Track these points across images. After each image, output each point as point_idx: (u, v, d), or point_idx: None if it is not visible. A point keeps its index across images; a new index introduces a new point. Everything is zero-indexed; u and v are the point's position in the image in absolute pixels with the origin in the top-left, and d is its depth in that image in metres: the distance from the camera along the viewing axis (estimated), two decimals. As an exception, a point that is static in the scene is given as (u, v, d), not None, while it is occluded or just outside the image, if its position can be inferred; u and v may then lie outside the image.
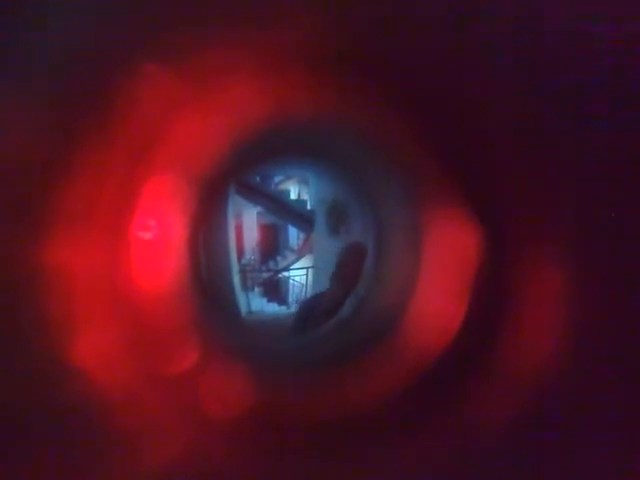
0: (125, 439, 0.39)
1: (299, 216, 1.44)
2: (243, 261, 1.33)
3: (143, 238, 0.41)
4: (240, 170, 0.67)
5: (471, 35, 0.38)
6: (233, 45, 0.37)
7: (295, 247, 1.52)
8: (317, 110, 0.43)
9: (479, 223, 0.44)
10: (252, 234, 1.46)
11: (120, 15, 0.35)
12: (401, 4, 0.37)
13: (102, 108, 0.36)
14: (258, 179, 1.42)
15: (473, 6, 0.38)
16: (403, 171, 0.54)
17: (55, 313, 0.38)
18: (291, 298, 1.41)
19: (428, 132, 0.45)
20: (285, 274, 1.47)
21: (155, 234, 0.42)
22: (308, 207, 1.34)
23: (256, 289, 1.37)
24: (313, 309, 0.92)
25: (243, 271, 1.27)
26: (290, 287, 1.44)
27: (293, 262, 1.48)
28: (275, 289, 1.42)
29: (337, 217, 1.10)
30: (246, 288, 1.27)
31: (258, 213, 1.48)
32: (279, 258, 1.54)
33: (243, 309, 1.14)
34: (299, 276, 1.42)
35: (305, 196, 1.41)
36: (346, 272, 0.83)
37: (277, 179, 1.47)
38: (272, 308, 1.37)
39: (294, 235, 1.54)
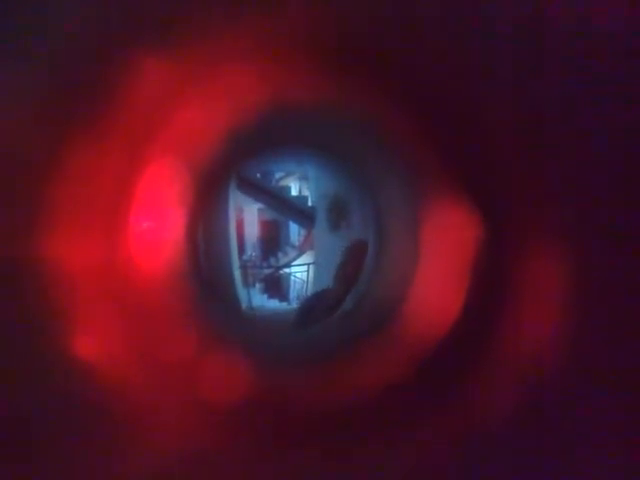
0: (125, 427, 0.39)
1: (300, 212, 1.44)
2: (244, 257, 1.33)
3: (141, 228, 0.41)
4: (239, 161, 0.67)
5: (472, 28, 0.38)
6: (232, 33, 0.37)
7: (296, 243, 1.51)
8: (317, 99, 0.43)
9: (479, 216, 0.44)
10: (253, 230, 1.46)
11: (117, 4, 0.35)
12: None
13: (99, 98, 0.36)
14: (259, 175, 1.41)
15: (474, 2, 0.38)
16: (404, 165, 0.54)
17: (54, 306, 0.38)
18: (292, 294, 1.41)
19: (429, 125, 0.45)
20: (286, 270, 1.47)
21: (153, 224, 0.42)
22: (309, 203, 1.34)
23: (257, 285, 1.37)
24: (315, 306, 0.92)
25: (244, 267, 1.27)
26: (291, 283, 1.43)
27: (294, 258, 1.48)
28: (276, 285, 1.42)
29: (338, 213, 1.10)
30: (247, 284, 1.27)
31: (259, 209, 1.48)
32: (280, 254, 1.54)
33: (244, 305, 1.14)
34: (300, 272, 1.42)
35: (306, 192, 1.41)
36: (349, 270, 0.83)
37: (278, 175, 1.47)
38: (273, 304, 1.37)
39: (295, 231, 1.54)
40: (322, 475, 0.43)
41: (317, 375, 0.47)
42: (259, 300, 1.35)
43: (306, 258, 1.44)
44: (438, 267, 0.48)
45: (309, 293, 1.24)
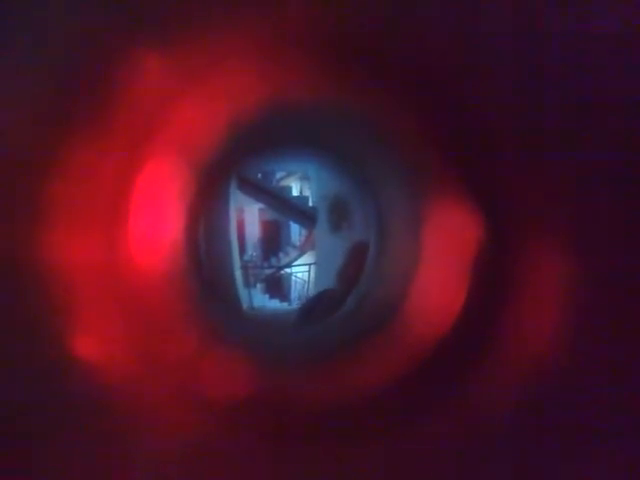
0: (125, 427, 0.39)
1: (301, 212, 1.44)
2: (245, 257, 1.33)
3: (141, 227, 0.41)
4: (240, 160, 0.67)
5: (472, 28, 0.38)
6: (232, 32, 0.37)
7: (297, 243, 1.52)
8: (317, 98, 0.43)
9: (480, 217, 0.44)
10: (254, 230, 1.46)
11: (117, 4, 0.35)
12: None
13: (99, 97, 0.36)
14: (260, 176, 1.42)
15: (474, 2, 0.38)
16: (404, 165, 0.54)
17: (54, 305, 0.38)
18: (293, 295, 1.41)
19: (429, 125, 0.45)
20: (287, 271, 1.47)
21: (153, 223, 0.42)
22: (310, 203, 1.34)
23: (258, 285, 1.37)
24: (316, 306, 0.92)
25: (245, 267, 1.27)
26: (292, 283, 1.44)
27: (295, 259, 1.48)
28: (277, 285, 1.42)
29: (339, 213, 1.10)
30: (248, 284, 1.27)
31: (260, 209, 1.48)
32: (281, 254, 1.54)
33: (245, 305, 1.14)
34: (301, 272, 1.42)
35: (307, 192, 1.41)
36: (350, 271, 0.83)
37: (279, 175, 1.47)
38: (274, 304, 1.37)
39: (296, 231, 1.54)
40: (322, 474, 0.43)
41: (318, 375, 0.47)
42: (260, 300, 1.35)
43: (307, 258, 1.44)
44: (439, 267, 0.47)
45: (310, 293, 1.24)
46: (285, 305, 1.36)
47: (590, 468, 0.41)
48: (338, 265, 0.90)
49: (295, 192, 1.46)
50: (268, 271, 1.45)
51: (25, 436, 0.37)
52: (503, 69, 0.39)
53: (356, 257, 0.82)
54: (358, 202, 0.90)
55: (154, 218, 0.42)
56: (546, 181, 0.41)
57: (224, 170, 0.64)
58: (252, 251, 1.43)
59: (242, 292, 1.15)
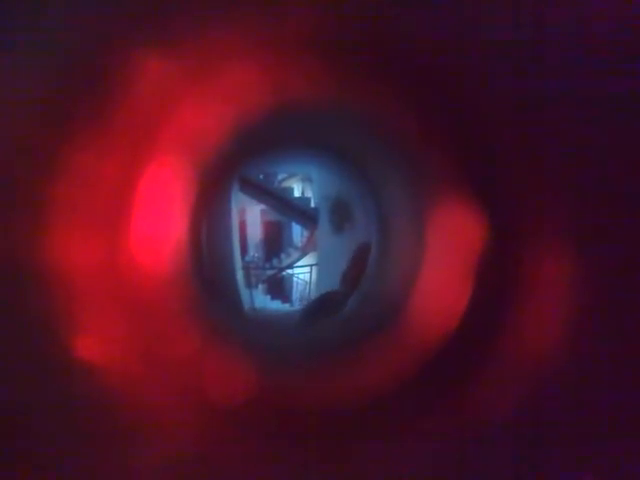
0: (126, 427, 0.39)
1: (303, 213, 1.44)
2: (247, 258, 1.33)
3: (143, 227, 0.41)
4: (242, 160, 0.67)
5: (473, 28, 0.38)
6: (232, 31, 0.37)
7: (299, 244, 1.52)
8: (318, 97, 0.43)
9: (484, 217, 0.44)
10: (256, 231, 1.46)
11: (118, 4, 0.35)
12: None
13: (100, 97, 0.36)
14: (261, 177, 1.42)
15: (475, 1, 0.38)
16: (407, 166, 0.54)
17: (56, 306, 0.38)
18: (295, 296, 1.42)
19: (431, 125, 0.45)
20: (289, 271, 1.47)
21: (155, 223, 0.42)
22: (312, 205, 1.34)
23: (260, 286, 1.37)
24: (319, 309, 0.92)
25: (246, 268, 1.28)
26: (294, 284, 1.44)
27: (297, 259, 1.48)
28: (279, 286, 1.42)
29: (341, 214, 1.10)
30: (250, 285, 1.27)
31: (262, 210, 1.48)
32: (283, 255, 1.54)
33: (246, 305, 1.14)
34: (303, 273, 1.42)
35: (309, 194, 1.41)
36: (353, 273, 0.83)
37: (281, 177, 1.47)
38: (276, 305, 1.37)
39: (298, 232, 1.54)
40: (323, 475, 0.43)
41: (319, 376, 0.46)
42: (262, 301, 1.35)
43: (309, 259, 1.44)
44: (442, 268, 0.47)
45: (312, 294, 1.24)
46: (286, 306, 1.37)
47: (590, 469, 0.41)
48: (342, 267, 0.90)
49: (297, 193, 1.46)
50: (270, 272, 1.45)
51: (25, 437, 0.37)
52: (503, 69, 0.39)
53: (359, 258, 0.82)
54: (359, 203, 0.90)
55: (157, 219, 0.42)
56: (547, 181, 0.41)
57: (226, 171, 0.64)
58: (254, 252, 1.43)
59: (244, 293, 1.16)
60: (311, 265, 1.42)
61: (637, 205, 0.40)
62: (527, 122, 0.41)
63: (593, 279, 0.42)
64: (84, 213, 0.38)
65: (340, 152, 0.69)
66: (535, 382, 0.42)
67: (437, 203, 0.48)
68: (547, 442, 0.41)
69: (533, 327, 0.43)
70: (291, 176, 1.51)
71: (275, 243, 1.54)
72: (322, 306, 0.91)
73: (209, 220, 0.74)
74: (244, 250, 1.24)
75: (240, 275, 1.17)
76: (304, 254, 1.48)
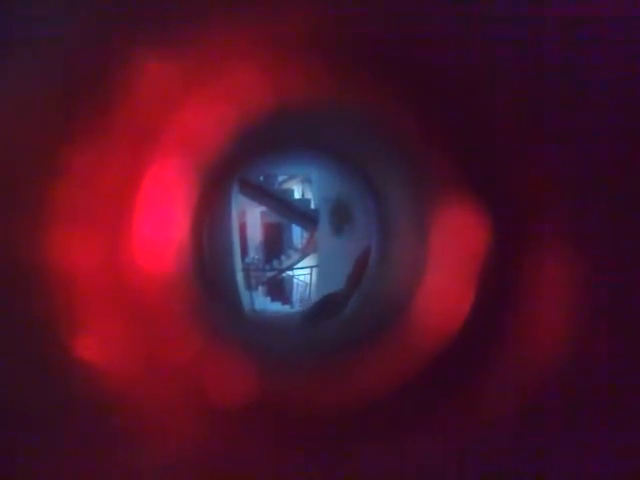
0: (126, 429, 0.39)
1: (303, 215, 1.44)
2: (247, 260, 1.33)
3: (144, 229, 0.41)
4: (243, 162, 0.67)
5: (473, 28, 0.38)
6: (234, 35, 0.37)
7: (299, 246, 1.52)
8: (318, 98, 0.43)
9: (487, 219, 0.44)
10: (256, 233, 1.46)
11: (119, 5, 0.35)
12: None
13: (101, 99, 0.36)
14: (261, 178, 1.42)
15: (475, 1, 0.38)
16: (407, 167, 0.54)
17: (56, 307, 0.38)
18: (295, 297, 1.41)
19: (431, 126, 0.45)
20: (289, 273, 1.47)
21: (157, 225, 0.42)
22: (312, 206, 1.34)
23: (260, 288, 1.37)
24: (321, 312, 0.92)
25: (247, 270, 1.27)
26: (294, 286, 1.43)
27: (297, 261, 1.48)
28: (279, 288, 1.42)
29: (341, 216, 1.09)
30: (250, 287, 1.27)
31: (262, 212, 1.48)
32: (283, 257, 1.54)
33: (247, 307, 1.13)
34: (303, 275, 1.42)
35: (309, 195, 1.41)
36: (358, 272, 0.83)
37: (281, 178, 1.47)
38: (276, 307, 1.37)
39: (298, 234, 1.54)
40: (325, 477, 0.42)
41: (320, 377, 0.46)
42: (262, 303, 1.35)
43: (309, 261, 1.44)
44: (444, 270, 0.47)
45: (312, 296, 1.24)
46: (287, 307, 1.36)
47: (592, 470, 0.41)
48: (342, 268, 0.90)
49: (297, 195, 1.46)
50: (270, 274, 1.45)
51: (26, 439, 0.37)
52: (503, 69, 0.39)
53: (360, 260, 0.82)
54: (360, 204, 0.90)
55: (158, 221, 0.42)
56: (547, 181, 0.41)
57: (227, 172, 0.64)
58: (254, 254, 1.43)
59: (244, 295, 1.15)
60: (311, 267, 1.42)
61: (637, 205, 0.40)
62: (527, 123, 0.41)
63: (594, 280, 0.42)
64: (84, 214, 0.38)
65: (340, 153, 0.69)
66: (537, 384, 0.42)
67: (438, 204, 0.48)
68: (549, 443, 0.41)
69: (534, 329, 0.43)
70: (291, 178, 1.51)
71: (275, 245, 1.54)
72: (323, 308, 0.91)
73: (210, 222, 0.74)
74: (244, 252, 1.24)
75: (240, 277, 1.17)
76: (304, 256, 1.47)
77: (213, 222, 0.89)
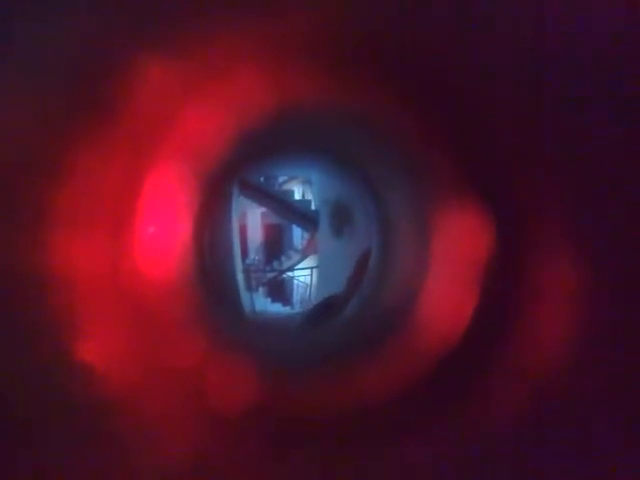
0: (131, 433, 0.39)
1: (303, 216, 1.44)
2: (247, 261, 1.33)
3: (146, 234, 0.41)
4: (244, 166, 0.67)
5: (473, 29, 0.38)
6: (234, 38, 0.37)
7: (299, 247, 1.52)
8: (319, 103, 0.43)
9: (490, 223, 0.44)
10: (256, 234, 1.46)
11: (120, 10, 0.35)
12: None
13: (103, 103, 0.36)
14: (262, 180, 1.42)
15: (475, 2, 0.38)
16: (406, 167, 0.54)
17: (59, 312, 0.38)
18: (295, 298, 1.41)
19: (431, 127, 0.45)
20: (289, 274, 1.47)
21: (159, 229, 0.42)
22: (312, 207, 1.34)
23: (260, 289, 1.37)
24: (321, 312, 0.92)
25: (247, 271, 1.27)
26: (294, 287, 1.44)
27: (297, 262, 1.48)
28: (279, 289, 1.42)
29: (341, 217, 1.09)
30: (250, 288, 1.27)
31: (262, 213, 1.48)
32: (283, 258, 1.54)
33: (247, 308, 1.13)
34: (303, 276, 1.42)
35: (309, 196, 1.41)
36: (359, 274, 0.83)
37: (281, 179, 1.47)
38: (276, 308, 1.37)
39: (298, 235, 1.54)
40: (323, 479, 0.42)
41: (320, 381, 0.46)
42: (262, 304, 1.35)
43: (309, 262, 1.44)
44: (447, 272, 0.47)
45: (312, 297, 1.24)
46: (287, 309, 1.36)
47: (591, 465, 0.41)
48: (342, 269, 0.90)
49: (297, 196, 1.46)
50: (270, 275, 1.45)
51: (26, 444, 0.37)
52: (503, 70, 0.39)
53: (361, 262, 0.81)
54: (360, 206, 0.90)
55: (160, 226, 0.41)
56: (547, 183, 0.41)
57: (228, 176, 0.64)
58: (254, 255, 1.43)
59: (244, 296, 1.15)
60: (311, 268, 1.42)
61: (637, 205, 0.40)
62: (527, 124, 0.41)
63: (594, 280, 0.42)
64: (86, 219, 0.38)
65: (341, 155, 0.69)
66: (537, 387, 0.42)
67: (439, 206, 0.48)
68: (548, 447, 0.41)
69: (536, 332, 0.43)
70: (292, 179, 1.51)
71: (276, 246, 1.54)
72: (323, 310, 0.91)
73: (211, 224, 0.74)
74: (245, 253, 1.24)
75: (241, 278, 1.17)
76: (304, 257, 1.48)
77: (214, 224, 0.89)
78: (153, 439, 0.40)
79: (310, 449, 0.42)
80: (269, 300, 1.41)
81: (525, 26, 0.37)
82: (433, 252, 0.49)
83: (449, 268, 0.47)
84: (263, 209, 1.49)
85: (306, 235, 1.52)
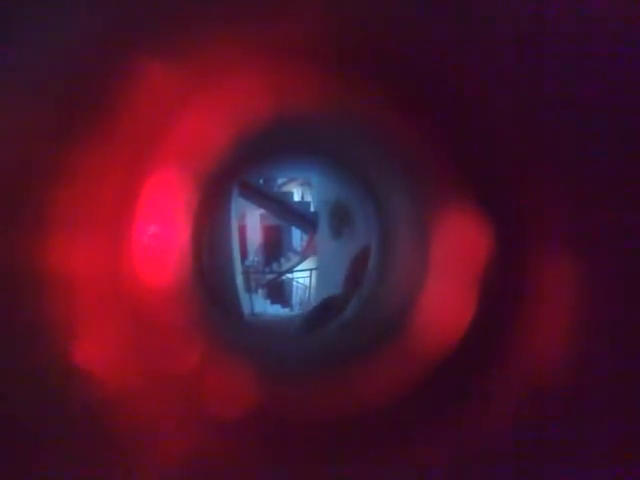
0: (128, 438, 0.39)
1: (302, 218, 1.44)
2: (246, 263, 1.33)
3: (145, 237, 0.41)
4: (243, 168, 0.67)
5: (473, 30, 0.38)
6: (234, 41, 0.37)
7: (298, 249, 1.52)
8: (318, 105, 0.43)
9: (487, 222, 0.44)
10: (255, 236, 1.46)
11: (119, 12, 0.35)
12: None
13: (103, 106, 0.36)
14: (261, 181, 1.42)
15: (474, 3, 0.38)
16: (407, 171, 0.54)
17: (57, 315, 0.38)
18: (295, 300, 1.41)
19: (430, 130, 0.45)
20: (288, 276, 1.47)
21: (157, 233, 0.42)
22: (311, 209, 1.34)
23: (259, 291, 1.37)
24: (320, 314, 0.91)
25: (246, 273, 1.27)
26: (294, 289, 1.44)
27: (297, 264, 1.48)
28: (279, 291, 1.42)
29: (340, 218, 1.10)
30: (249, 290, 1.27)
31: (261, 215, 1.48)
32: (282, 260, 1.54)
33: (246, 310, 1.13)
34: (303, 278, 1.42)
35: (308, 198, 1.41)
36: (356, 274, 0.83)
37: (280, 181, 1.47)
38: (275, 310, 1.37)
39: (297, 237, 1.54)
40: None
41: (319, 385, 0.46)
42: (261, 306, 1.35)
43: (308, 264, 1.44)
44: (446, 276, 0.47)
45: (312, 299, 1.24)
46: (286, 310, 1.36)
47: (591, 469, 0.41)
48: (342, 271, 0.90)
49: (296, 197, 1.46)
50: (269, 276, 1.45)
51: (23, 448, 0.37)
52: (504, 71, 0.39)
53: (359, 262, 0.81)
54: (359, 207, 0.90)
55: (159, 229, 0.41)
56: (547, 184, 0.41)
57: (228, 177, 0.64)
58: (254, 256, 1.43)
59: (243, 297, 1.15)
60: (311, 269, 1.42)
61: (637, 205, 0.40)
62: (527, 125, 0.41)
63: (596, 282, 0.41)
64: (84, 221, 0.38)
65: (340, 157, 0.69)
66: (538, 388, 0.42)
67: (438, 208, 0.48)
68: (548, 447, 0.41)
69: (536, 335, 0.43)
70: (291, 180, 1.51)
71: (275, 247, 1.54)
72: (322, 312, 0.91)
73: (210, 225, 0.74)
74: (244, 254, 1.24)
75: (240, 280, 1.17)
76: (304, 258, 1.48)
77: (213, 226, 0.89)
78: (152, 442, 0.40)
79: (310, 451, 0.42)
80: (268, 302, 1.41)
81: (525, 26, 0.37)
82: (433, 254, 0.49)
83: (449, 269, 0.47)
84: (262, 211, 1.49)
85: (305, 237, 1.52)
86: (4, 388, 0.36)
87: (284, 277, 1.53)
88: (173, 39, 0.35)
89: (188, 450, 0.40)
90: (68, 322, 0.38)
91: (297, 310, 1.34)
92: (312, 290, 1.36)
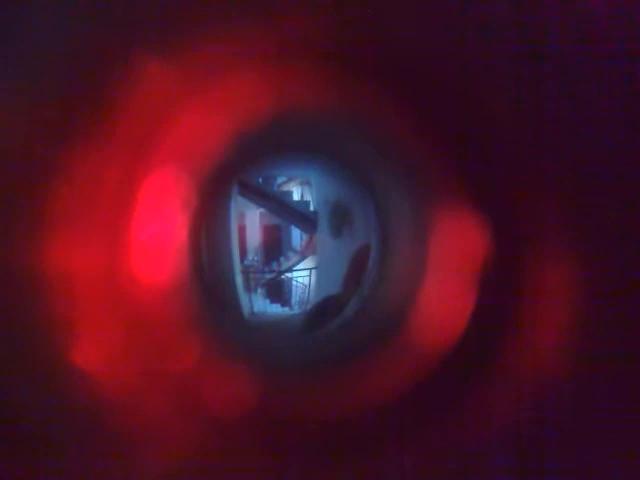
0: (127, 438, 0.39)
1: (302, 217, 1.44)
2: (246, 262, 1.33)
3: (144, 236, 0.41)
4: (242, 167, 0.67)
5: (473, 31, 0.38)
6: (233, 40, 0.37)
7: (298, 248, 1.51)
8: (318, 104, 0.43)
9: (487, 223, 0.44)
10: (255, 235, 1.46)
11: (120, 10, 0.35)
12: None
13: (102, 105, 0.36)
14: (261, 180, 1.41)
15: (474, 4, 0.38)
16: (406, 170, 0.54)
17: (56, 314, 0.38)
18: (294, 299, 1.41)
19: (429, 127, 0.45)
20: (288, 275, 1.47)
21: (156, 231, 0.42)
22: (311, 208, 1.34)
23: (259, 290, 1.37)
24: (321, 315, 0.91)
25: (246, 272, 1.27)
26: (293, 288, 1.43)
27: (296, 263, 1.48)
28: (278, 290, 1.42)
29: (340, 218, 1.09)
30: (249, 289, 1.27)
31: (261, 214, 1.48)
32: (282, 259, 1.54)
33: (246, 310, 1.13)
34: (302, 277, 1.42)
35: (308, 197, 1.41)
36: (356, 273, 0.83)
37: (280, 180, 1.47)
38: (275, 309, 1.37)
39: (297, 236, 1.54)
40: None
41: (319, 387, 0.46)
42: (261, 305, 1.34)
43: (308, 263, 1.44)
44: (445, 274, 0.47)
45: (311, 298, 1.23)
46: (286, 310, 1.36)
47: (590, 469, 0.41)
48: (341, 271, 0.90)
49: (296, 197, 1.46)
50: (269, 276, 1.44)
51: (23, 448, 0.37)
52: (503, 76, 0.39)
53: (359, 261, 0.81)
54: (359, 207, 0.90)
55: (157, 228, 0.41)
56: (546, 184, 0.41)
57: (227, 177, 0.64)
58: (253, 255, 1.43)
59: (243, 297, 1.15)
60: (310, 269, 1.42)
61: (637, 205, 0.40)
62: (526, 127, 0.41)
63: (594, 281, 0.41)
64: (84, 222, 0.38)
65: (340, 156, 0.69)
66: (537, 387, 0.42)
67: (438, 208, 0.48)
68: (548, 447, 0.41)
69: (535, 335, 0.43)
70: (290, 179, 1.51)
71: (274, 247, 1.53)
72: (322, 311, 0.91)
73: (208, 224, 0.74)
74: (243, 254, 1.24)
75: (239, 279, 1.17)
76: (303, 258, 1.47)
77: (212, 225, 0.89)
78: (151, 441, 0.40)
79: (310, 450, 0.42)
80: (268, 301, 1.41)
81: (525, 26, 0.37)
82: (432, 253, 0.49)
83: (448, 269, 0.47)
84: (262, 210, 1.49)
85: (305, 236, 1.52)
86: (4, 388, 0.36)
87: (284, 276, 1.52)
88: (172, 39, 0.35)
89: (187, 449, 0.40)
90: (67, 322, 0.38)
91: (297, 309, 1.34)
92: (312, 289, 1.36)
